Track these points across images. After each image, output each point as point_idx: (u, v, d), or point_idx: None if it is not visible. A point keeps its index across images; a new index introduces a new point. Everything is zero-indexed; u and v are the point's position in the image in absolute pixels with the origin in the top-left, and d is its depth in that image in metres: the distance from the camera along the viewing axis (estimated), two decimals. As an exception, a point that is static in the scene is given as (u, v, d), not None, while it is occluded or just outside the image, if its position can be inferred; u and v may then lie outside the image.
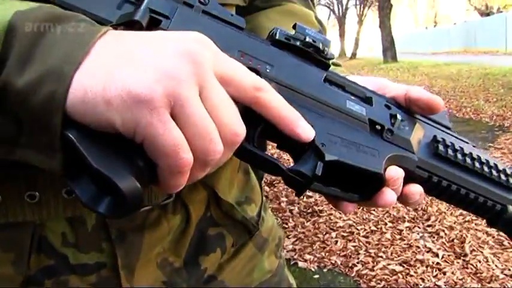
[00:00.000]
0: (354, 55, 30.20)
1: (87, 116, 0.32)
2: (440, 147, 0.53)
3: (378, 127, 0.50)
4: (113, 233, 0.52)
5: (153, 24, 0.41)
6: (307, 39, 0.48)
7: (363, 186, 0.48)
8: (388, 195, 0.48)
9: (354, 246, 2.84)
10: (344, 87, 0.51)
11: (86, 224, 0.51)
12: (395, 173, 0.48)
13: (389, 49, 18.27)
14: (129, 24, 0.39)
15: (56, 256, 0.51)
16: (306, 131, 0.42)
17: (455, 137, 0.57)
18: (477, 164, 0.54)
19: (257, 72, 0.43)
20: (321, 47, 0.48)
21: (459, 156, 0.53)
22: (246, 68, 0.40)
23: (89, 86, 0.32)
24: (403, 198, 0.51)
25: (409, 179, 0.51)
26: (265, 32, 0.65)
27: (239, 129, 0.37)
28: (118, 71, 0.32)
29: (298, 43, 0.48)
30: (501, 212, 0.56)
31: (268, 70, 0.45)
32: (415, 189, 0.51)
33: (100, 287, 0.53)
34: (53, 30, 0.34)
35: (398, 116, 0.51)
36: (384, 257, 2.65)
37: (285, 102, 0.41)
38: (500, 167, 0.57)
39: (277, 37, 0.48)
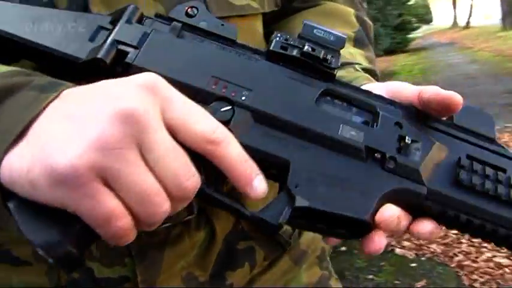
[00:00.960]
0: (467, 24, 28.05)
1: (19, 192, 0.32)
2: (463, 174, 0.43)
3: (378, 155, 0.42)
4: (133, 249, 0.53)
5: (120, 57, 0.39)
6: (306, 47, 0.43)
7: (349, 227, 0.42)
8: (376, 241, 0.41)
9: (456, 234, 2.67)
10: (349, 101, 0.45)
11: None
12: (389, 214, 0.41)
13: (509, 15, 16.66)
14: (93, 63, 0.38)
15: (82, 269, 0.53)
16: (258, 191, 0.38)
17: (498, 153, 0.46)
18: (502, 190, 0.43)
19: (230, 102, 0.40)
20: (321, 55, 0.43)
21: (488, 184, 0.43)
22: (208, 108, 0.38)
23: (14, 168, 0.32)
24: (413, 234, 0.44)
25: (418, 211, 0.43)
26: None
27: (188, 182, 0.34)
28: (46, 148, 0.31)
29: (295, 52, 0.43)
30: None
31: (243, 98, 0.41)
32: (424, 229, 0.42)
33: None
34: (1, 105, 0.34)
35: (407, 139, 0.43)
36: (489, 247, 2.45)
37: (240, 156, 0.37)
38: None
39: (271, 47, 0.44)
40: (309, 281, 0.67)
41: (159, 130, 0.33)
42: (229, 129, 0.38)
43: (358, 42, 0.66)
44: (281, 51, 0.44)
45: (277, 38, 0.44)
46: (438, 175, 0.43)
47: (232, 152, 0.37)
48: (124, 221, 0.33)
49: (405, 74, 9.47)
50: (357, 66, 0.60)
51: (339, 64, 0.44)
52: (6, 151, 0.32)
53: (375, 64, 0.66)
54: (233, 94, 0.41)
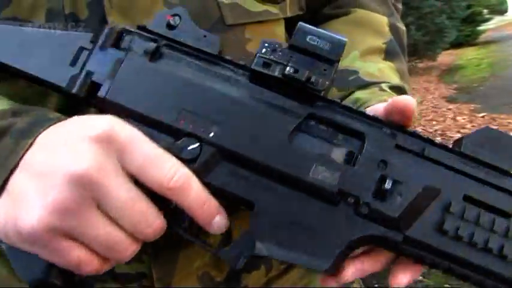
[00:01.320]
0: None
1: (2, 239, 0.38)
2: (449, 223, 0.39)
3: (351, 200, 0.40)
4: (149, 247, 0.56)
5: (94, 89, 0.41)
6: (288, 68, 0.40)
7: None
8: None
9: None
10: (335, 126, 0.41)
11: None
12: (351, 272, 0.41)
13: None
14: (71, 95, 0.41)
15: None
16: (217, 229, 0.40)
17: (505, 191, 0.40)
18: (494, 244, 0.39)
19: (198, 138, 0.41)
20: (305, 77, 0.39)
21: (478, 237, 0.39)
22: (171, 138, 0.40)
23: None
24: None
25: (394, 252, 0.41)
26: None
27: (149, 229, 0.37)
28: (16, 208, 0.36)
29: (277, 72, 0.40)
30: None
31: (211, 135, 0.40)
32: (401, 281, 0.41)
33: None
34: None
35: (388, 183, 0.39)
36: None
37: (199, 200, 0.39)
38: None
39: (253, 64, 0.41)
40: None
41: (114, 184, 0.36)
42: (194, 169, 0.39)
43: (389, 54, 0.65)
44: (262, 70, 0.41)
45: (263, 51, 0.41)
46: (421, 221, 0.40)
47: (190, 196, 0.38)
48: (93, 264, 0.37)
49: (472, 69, 9.05)
50: (383, 85, 0.59)
51: (331, 78, 0.41)
52: None
53: (406, 76, 0.65)
54: (202, 130, 0.40)
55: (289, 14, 0.61)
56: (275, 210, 0.40)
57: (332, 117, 0.42)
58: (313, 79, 0.40)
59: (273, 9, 0.58)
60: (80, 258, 0.36)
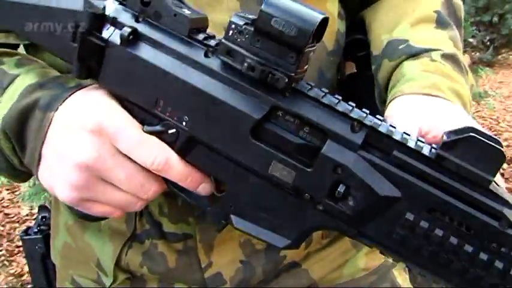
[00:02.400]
0: None
1: None
2: (398, 234, 0.39)
3: (307, 196, 0.41)
4: (195, 210, 0.59)
5: (90, 73, 0.46)
6: (246, 63, 0.38)
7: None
8: None
9: None
10: (302, 119, 0.40)
11: (177, 199, 0.59)
12: None
13: None
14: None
15: (153, 222, 0.61)
16: (205, 192, 0.46)
17: (475, 206, 0.38)
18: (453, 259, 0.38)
19: (172, 123, 0.44)
20: (264, 74, 0.38)
21: (425, 252, 0.39)
22: (156, 121, 0.44)
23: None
24: None
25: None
26: (379, 30, 0.61)
27: (146, 195, 0.46)
28: (51, 182, 0.47)
29: (238, 63, 0.39)
30: None
31: (184, 123, 0.43)
32: None
33: (184, 255, 0.61)
34: (23, 130, 0.48)
35: (340, 188, 0.39)
36: None
37: (182, 176, 0.45)
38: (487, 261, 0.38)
39: (218, 52, 0.41)
40: (367, 266, 0.68)
41: (112, 165, 0.44)
42: (176, 150, 0.44)
43: (440, 23, 0.61)
44: (226, 59, 0.40)
45: (229, 33, 0.39)
46: (375, 223, 0.40)
47: (173, 173, 0.45)
48: (115, 213, 0.48)
49: None
50: (434, 54, 0.56)
51: (299, 69, 0.39)
52: (37, 168, 0.47)
53: (459, 44, 0.61)
54: (176, 118, 0.43)
55: None
56: (244, 192, 0.44)
57: (298, 110, 0.40)
58: (272, 75, 0.39)
59: None
60: (104, 211, 0.47)
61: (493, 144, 0.36)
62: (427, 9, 0.61)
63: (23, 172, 0.52)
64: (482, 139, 0.36)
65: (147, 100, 0.44)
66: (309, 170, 0.40)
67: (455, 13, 0.64)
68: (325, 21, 0.38)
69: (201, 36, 0.43)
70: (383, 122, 0.41)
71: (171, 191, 0.48)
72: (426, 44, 0.57)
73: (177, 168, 0.44)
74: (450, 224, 0.38)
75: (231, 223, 0.45)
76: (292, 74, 0.38)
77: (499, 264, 0.37)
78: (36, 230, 0.80)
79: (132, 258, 0.62)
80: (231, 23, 0.39)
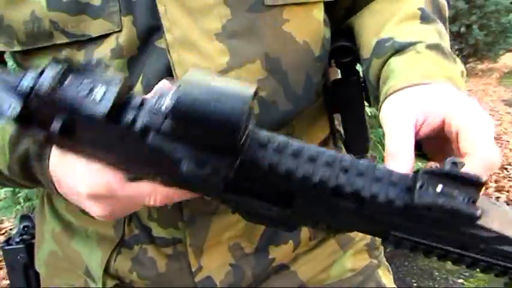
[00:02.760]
0: None
1: None
2: None
3: None
4: (185, 214, 0.60)
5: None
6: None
7: None
8: None
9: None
10: None
11: (166, 204, 0.60)
12: None
13: None
14: None
15: (142, 227, 0.61)
16: None
17: None
18: None
19: None
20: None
21: None
22: None
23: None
24: None
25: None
26: (367, 34, 0.63)
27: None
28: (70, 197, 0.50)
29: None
30: None
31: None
32: None
33: (174, 259, 0.61)
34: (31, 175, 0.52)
35: None
36: None
37: (173, 193, 0.45)
38: None
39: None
40: (354, 266, 0.69)
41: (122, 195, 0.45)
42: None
43: (424, 19, 0.61)
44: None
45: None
46: None
47: (173, 198, 0.47)
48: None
49: None
50: (418, 46, 0.56)
51: None
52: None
53: (445, 37, 0.61)
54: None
55: None
56: None
57: None
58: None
59: None
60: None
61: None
62: (410, 7, 0.62)
63: None
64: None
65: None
66: None
67: (440, 11, 0.65)
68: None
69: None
70: None
71: None
72: (411, 38, 0.57)
73: (178, 195, 0.45)
74: None
75: None
76: None
77: None
78: (18, 240, 0.78)
79: (121, 264, 0.62)
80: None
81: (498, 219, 0.38)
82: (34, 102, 0.35)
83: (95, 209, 0.47)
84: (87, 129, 0.36)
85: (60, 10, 0.52)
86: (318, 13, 0.61)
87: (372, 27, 0.63)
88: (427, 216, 0.36)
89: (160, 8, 0.52)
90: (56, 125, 0.35)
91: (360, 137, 0.73)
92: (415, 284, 2.51)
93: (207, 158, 0.34)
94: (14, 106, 0.35)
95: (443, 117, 0.44)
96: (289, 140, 0.38)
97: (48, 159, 0.48)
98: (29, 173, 0.52)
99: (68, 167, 0.46)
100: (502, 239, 0.38)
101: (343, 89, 0.70)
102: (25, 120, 0.36)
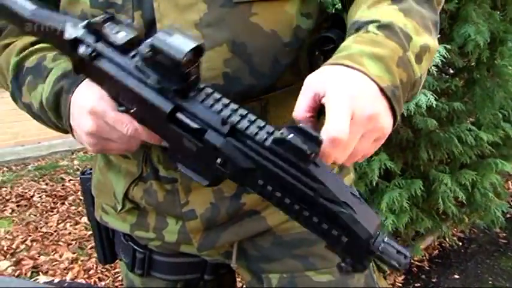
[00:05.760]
0: None
1: None
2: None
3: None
4: None
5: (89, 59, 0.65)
6: (154, 64, 0.59)
7: None
8: None
9: None
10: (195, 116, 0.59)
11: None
12: None
13: None
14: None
15: (153, 168, 0.82)
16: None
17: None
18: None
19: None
20: (162, 74, 0.59)
21: None
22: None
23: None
24: None
25: None
26: (349, 22, 0.74)
27: (136, 142, 0.70)
28: (78, 136, 0.72)
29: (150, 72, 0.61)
30: None
31: (132, 110, 0.63)
32: None
33: (170, 193, 0.81)
34: (59, 103, 0.72)
35: (219, 160, 0.58)
36: None
37: (147, 134, 0.65)
38: None
39: (137, 64, 0.62)
40: None
41: (107, 131, 0.67)
42: (138, 120, 0.65)
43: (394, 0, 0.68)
44: (141, 68, 0.61)
45: (144, 44, 0.59)
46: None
47: (142, 136, 0.66)
48: (120, 148, 0.71)
49: None
50: (370, 26, 0.63)
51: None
52: (71, 131, 0.73)
53: (412, 13, 0.67)
54: (129, 106, 0.64)
55: None
56: (181, 149, 0.62)
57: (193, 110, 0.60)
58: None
59: None
60: (114, 147, 0.70)
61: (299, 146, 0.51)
62: None
63: (64, 129, 0.76)
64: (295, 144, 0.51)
65: (114, 94, 0.65)
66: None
67: None
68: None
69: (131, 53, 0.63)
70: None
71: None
72: (368, 18, 0.65)
73: (142, 133, 0.65)
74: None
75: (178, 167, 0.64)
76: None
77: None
78: (89, 172, 1.05)
79: (136, 193, 0.84)
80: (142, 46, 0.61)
81: (333, 183, 0.53)
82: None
83: (88, 123, 0.66)
84: (107, 56, 0.64)
85: (98, 7, 0.74)
86: (291, 7, 0.75)
87: (353, 14, 0.72)
88: (278, 153, 0.53)
89: (155, 4, 0.71)
90: (87, 50, 0.64)
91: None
92: (490, 282, 2.45)
93: (162, 79, 0.60)
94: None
95: (323, 94, 0.56)
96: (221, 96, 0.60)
97: (73, 93, 0.69)
98: (57, 105, 0.72)
99: (84, 91, 0.68)
100: (327, 192, 0.52)
101: None
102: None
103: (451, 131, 2.41)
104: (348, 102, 0.54)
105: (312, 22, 0.79)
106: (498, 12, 2.42)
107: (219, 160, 0.58)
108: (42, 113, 0.76)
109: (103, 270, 2.86)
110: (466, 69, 2.57)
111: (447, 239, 2.93)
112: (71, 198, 4.03)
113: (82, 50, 0.65)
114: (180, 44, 0.55)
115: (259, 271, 0.88)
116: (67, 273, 2.87)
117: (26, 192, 4.15)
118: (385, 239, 0.53)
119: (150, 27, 0.72)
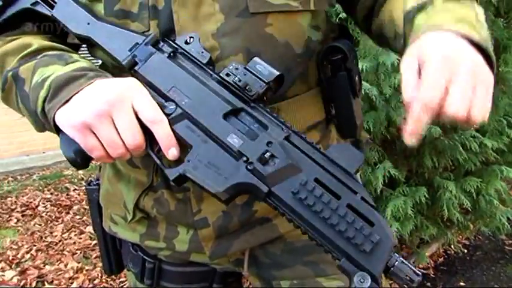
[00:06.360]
0: None
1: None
2: (302, 191, 0.59)
3: (245, 158, 0.62)
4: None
5: (134, 64, 0.70)
6: (232, 76, 0.66)
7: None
8: None
9: None
10: (253, 117, 0.65)
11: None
12: None
13: None
14: (120, 64, 0.70)
15: (163, 177, 0.83)
16: (170, 155, 0.66)
17: (343, 184, 0.59)
18: (327, 213, 0.57)
19: (175, 103, 0.67)
20: (244, 85, 0.66)
21: (317, 205, 0.57)
22: (163, 100, 0.67)
23: (59, 121, 0.67)
24: None
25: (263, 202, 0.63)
26: (398, 15, 0.76)
27: (134, 143, 0.64)
28: (72, 111, 0.65)
29: (229, 79, 0.66)
30: (338, 261, 0.57)
31: (184, 102, 0.66)
32: None
33: (182, 202, 0.82)
34: (70, 85, 0.67)
35: (267, 155, 0.62)
36: None
37: (166, 133, 0.65)
38: (350, 218, 0.56)
39: (220, 72, 0.68)
40: None
41: (123, 111, 0.63)
42: (169, 119, 0.65)
43: None
44: (222, 76, 0.67)
45: (229, 67, 0.67)
46: (284, 184, 0.60)
47: (161, 130, 0.65)
48: (98, 152, 0.65)
49: None
50: (436, 1, 0.68)
51: (261, 92, 0.66)
52: (58, 109, 0.66)
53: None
54: (178, 99, 0.67)
55: (313, 8, 0.77)
56: (202, 153, 0.65)
57: (254, 114, 0.66)
58: (250, 88, 0.66)
59: (293, 2, 0.75)
60: (92, 146, 0.65)
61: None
62: None
63: (39, 121, 0.72)
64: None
65: (165, 86, 0.68)
66: (251, 142, 0.64)
67: None
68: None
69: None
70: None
71: (147, 152, 0.68)
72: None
73: (165, 127, 0.65)
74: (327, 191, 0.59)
75: (185, 174, 0.65)
76: (259, 92, 0.66)
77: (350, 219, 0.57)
78: (95, 182, 1.06)
79: (147, 202, 0.85)
80: (229, 65, 0.68)
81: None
82: None
83: (114, 94, 0.63)
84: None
85: (112, 16, 0.75)
86: (303, 19, 0.77)
87: (399, 7, 0.75)
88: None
89: (175, 16, 0.73)
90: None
91: (349, 123, 0.87)
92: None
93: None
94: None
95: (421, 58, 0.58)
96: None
97: (95, 80, 0.66)
98: (65, 83, 0.67)
99: (120, 80, 0.67)
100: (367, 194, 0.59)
101: (334, 82, 0.84)
102: None
103: (456, 138, 2.41)
104: (443, 65, 0.56)
105: (320, 34, 0.81)
106: (502, 20, 2.43)
107: (266, 155, 0.62)
108: (34, 87, 0.71)
109: (108, 279, 2.86)
110: (470, 77, 2.57)
111: (452, 246, 2.92)
112: (75, 207, 4.05)
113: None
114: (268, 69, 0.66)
115: (271, 278, 0.88)
116: (72, 282, 2.88)
117: (31, 202, 4.17)
118: (399, 258, 0.57)
119: (165, 36, 0.74)
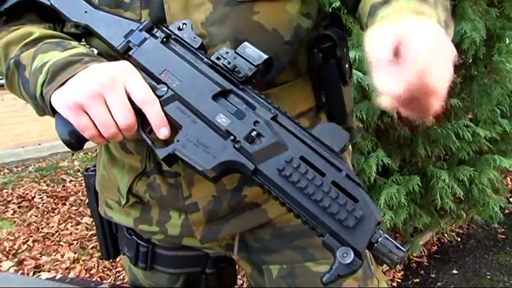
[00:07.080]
0: None
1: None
2: (287, 168, 0.60)
3: (232, 137, 0.64)
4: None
5: (128, 49, 0.71)
6: (222, 59, 0.68)
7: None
8: None
9: None
10: (241, 98, 0.67)
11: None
12: None
13: None
14: (116, 50, 0.72)
15: (156, 163, 0.84)
16: (161, 135, 0.67)
17: (327, 161, 0.61)
18: (311, 189, 0.58)
19: (167, 85, 0.68)
20: (233, 68, 0.67)
21: (301, 181, 0.59)
22: (155, 82, 0.68)
23: (55, 102, 0.68)
24: None
25: (249, 180, 0.64)
26: (366, 5, 0.75)
27: (126, 122, 0.65)
28: (66, 92, 0.67)
29: (220, 62, 0.68)
30: (322, 238, 0.58)
31: (175, 84, 0.68)
32: None
33: (173, 187, 0.84)
34: (67, 69, 0.68)
35: (253, 133, 0.63)
36: None
37: (157, 114, 0.66)
38: (334, 194, 0.57)
39: (211, 56, 0.69)
40: None
41: (116, 92, 0.65)
42: (160, 101, 0.67)
43: None
44: (213, 59, 0.69)
45: (220, 51, 0.69)
46: (270, 161, 0.62)
47: (152, 110, 0.66)
48: (91, 132, 0.66)
49: None
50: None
51: (250, 74, 0.67)
52: (54, 91, 0.67)
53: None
54: (170, 81, 0.68)
55: None
56: (191, 133, 0.66)
57: (242, 95, 0.68)
58: (239, 70, 0.67)
59: None
60: (85, 125, 0.66)
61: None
62: None
63: (39, 105, 0.73)
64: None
65: (157, 69, 0.70)
66: (239, 121, 0.65)
67: None
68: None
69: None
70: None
71: (139, 133, 0.69)
72: None
73: (157, 108, 0.67)
74: (312, 168, 0.60)
75: (174, 152, 0.66)
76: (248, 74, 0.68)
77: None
78: (92, 169, 1.07)
79: (140, 187, 0.86)
80: (219, 49, 0.70)
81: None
82: None
83: (106, 76, 0.64)
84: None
85: (105, 5, 0.76)
86: (292, 7, 0.78)
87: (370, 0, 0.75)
88: None
89: (165, 6, 0.74)
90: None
91: (339, 110, 0.88)
92: (488, 277, 2.47)
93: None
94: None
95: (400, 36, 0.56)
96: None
97: (90, 64, 0.68)
98: (63, 68, 0.68)
99: (113, 64, 0.68)
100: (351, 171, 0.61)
101: (324, 70, 0.85)
102: None
103: (449, 127, 2.44)
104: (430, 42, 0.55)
105: (311, 22, 0.82)
106: (495, 9, 2.44)
107: (253, 134, 0.64)
108: (34, 71, 0.72)
109: (104, 269, 2.88)
110: (463, 66, 2.60)
111: (446, 235, 2.95)
112: (71, 198, 4.07)
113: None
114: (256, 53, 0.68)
115: (260, 263, 0.90)
116: (69, 272, 2.90)
117: (27, 194, 4.18)
118: (383, 234, 0.58)
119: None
